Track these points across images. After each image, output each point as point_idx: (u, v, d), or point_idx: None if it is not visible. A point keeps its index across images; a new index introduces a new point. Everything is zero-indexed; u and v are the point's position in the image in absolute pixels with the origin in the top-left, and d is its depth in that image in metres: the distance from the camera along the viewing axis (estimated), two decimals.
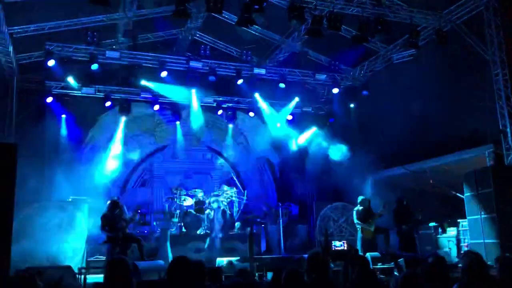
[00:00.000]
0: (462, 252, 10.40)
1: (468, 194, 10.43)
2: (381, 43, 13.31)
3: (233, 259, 10.36)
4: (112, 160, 14.28)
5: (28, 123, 12.92)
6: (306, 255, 4.64)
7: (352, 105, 14.86)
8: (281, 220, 13.19)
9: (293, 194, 16.05)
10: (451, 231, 11.70)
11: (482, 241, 9.81)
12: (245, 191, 15.91)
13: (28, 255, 9.74)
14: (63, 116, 13.59)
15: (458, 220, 11.46)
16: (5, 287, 3.76)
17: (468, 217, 10.49)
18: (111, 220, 9.83)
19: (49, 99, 13.17)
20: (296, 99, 15.13)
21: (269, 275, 8.34)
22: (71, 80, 12.79)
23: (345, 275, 4.18)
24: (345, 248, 8.70)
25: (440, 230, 12.08)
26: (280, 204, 13.92)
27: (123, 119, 14.37)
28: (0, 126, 12.51)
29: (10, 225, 6.42)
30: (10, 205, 6.42)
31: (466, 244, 10.83)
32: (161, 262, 9.73)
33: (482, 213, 9.95)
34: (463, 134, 11.30)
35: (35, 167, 11.47)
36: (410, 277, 3.84)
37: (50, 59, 11.86)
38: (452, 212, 11.89)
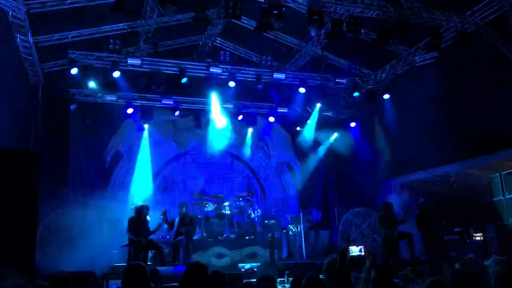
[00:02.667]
0: (490, 258, 10.11)
1: (495, 198, 10.17)
2: (403, 46, 13.12)
3: (254, 264, 10.33)
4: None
5: (53, 130, 13.18)
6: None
7: (373, 109, 14.68)
8: (302, 226, 13.09)
9: (315, 199, 15.94)
10: (477, 236, 11.40)
11: (510, 247, 9.53)
12: (266, 196, 15.87)
13: (53, 261, 9.92)
14: (88, 122, 13.80)
15: (485, 225, 11.16)
16: None
17: (495, 223, 10.22)
18: (137, 224, 10.01)
19: (73, 106, 13.42)
20: (318, 105, 15.02)
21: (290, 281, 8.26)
22: (92, 84, 12.89)
23: (366, 282, 4.10)
24: (363, 254, 8.52)
25: (465, 235, 11.78)
26: (302, 210, 13.82)
27: (145, 126, 14.56)
28: (25, 133, 12.79)
29: (34, 232, 6.52)
30: (34, 212, 6.52)
31: (493, 250, 10.53)
32: (183, 267, 9.76)
33: (510, 218, 9.69)
34: (489, 137, 11.03)
35: (59, 174, 11.71)
36: (435, 284, 3.74)
37: (73, 67, 12.10)
38: (478, 217, 11.59)
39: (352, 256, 4.02)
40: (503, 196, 9.92)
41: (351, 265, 3.96)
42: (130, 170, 14.43)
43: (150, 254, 10.53)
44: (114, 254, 11.38)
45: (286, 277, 8.80)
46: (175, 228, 10.79)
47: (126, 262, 9.84)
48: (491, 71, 11.20)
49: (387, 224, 10.42)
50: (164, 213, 10.77)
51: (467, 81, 11.44)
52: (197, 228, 12.60)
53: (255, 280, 7.43)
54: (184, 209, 10.94)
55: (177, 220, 10.82)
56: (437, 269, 8.70)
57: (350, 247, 3.92)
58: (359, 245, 8.03)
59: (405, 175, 13.69)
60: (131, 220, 10.04)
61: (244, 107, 15.44)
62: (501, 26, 10.90)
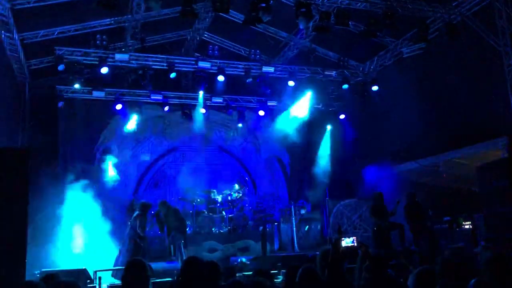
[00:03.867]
0: (479, 246, 10.26)
1: (483, 187, 10.28)
2: (390, 37, 13.19)
3: (247, 257, 10.38)
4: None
5: (41, 128, 13.05)
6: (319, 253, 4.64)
7: (362, 101, 14.74)
8: (293, 218, 13.15)
9: (305, 192, 16.00)
10: (467, 225, 11.55)
11: (498, 235, 9.66)
12: (256, 190, 15.91)
13: (44, 259, 9.87)
14: (75, 119, 13.64)
15: (473, 215, 11.31)
16: None
17: (483, 211, 10.35)
18: (145, 220, 10.11)
19: (60, 104, 13.29)
20: (309, 93, 14.96)
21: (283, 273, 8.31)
22: (77, 86, 12.75)
23: (360, 272, 4.14)
24: (356, 245, 8.56)
25: (454, 224, 11.93)
26: (293, 202, 13.88)
27: (133, 120, 14.45)
28: (13, 131, 12.66)
29: (24, 229, 6.48)
30: (24, 209, 6.47)
31: (482, 238, 10.68)
32: (176, 263, 9.80)
33: (498, 206, 9.80)
34: (476, 127, 11.15)
35: (48, 171, 11.60)
36: (425, 273, 3.79)
37: (60, 63, 11.95)
38: (467, 206, 11.75)
39: (345, 247, 4.06)
40: (491, 185, 10.02)
41: (344, 256, 4.00)
42: (120, 166, 14.34)
43: None
44: (105, 251, 11.34)
45: (278, 269, 8.85)
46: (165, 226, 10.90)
47: (129, 258, 9.84)
48: (478, 61, 11.31)
49: (378, 215, 10.50)
50: (157, 214, 10.84)
51: (454, 71, 11.54)
52: (189, 222, 12.65)
53: (248, 273, 7.48)
54: (166, 207, 10.97)
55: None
56: (427, 258, 8.83)
57: (342, 238, 3.96)
58: (351, 236, 8.06)
59: (394, 166, 13.79)
60: (141, 217, 10.06)
61: (234, 101, 15.40)
62: (487, 16, 10.99)
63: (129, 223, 10.43)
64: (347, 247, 4.34)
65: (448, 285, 3.77)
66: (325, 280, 3.95)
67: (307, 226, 13.85)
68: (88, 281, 8.51)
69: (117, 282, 8.47)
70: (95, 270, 9.20)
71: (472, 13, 11.30)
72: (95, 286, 8.22)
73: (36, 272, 8.39)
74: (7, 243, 6.14)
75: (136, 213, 10.19)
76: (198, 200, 13.69)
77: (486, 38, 11.13)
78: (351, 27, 11.58)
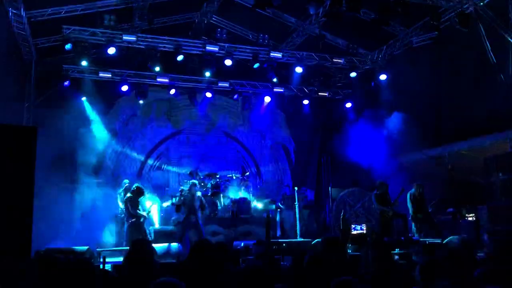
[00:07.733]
0: (482, 238, 10.25)
1: (488, 179, 10.25)
2: (401, 26, 13.02)
3: (250, 242, 10.39)
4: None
5: (47, 107, 13.03)
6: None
7: (369, 89, 14.62)
8: (297, 205, 13.16)
9: (309, 179, 15.99)
10: (470, 217, 11.54)
11: (502, 227, 9.66)
12: (260, 176, 15.90)
13: (48, 237, 9.93)
14: (83, 99, 13.57)
15: (477, 206, 11.29)
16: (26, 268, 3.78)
17: (488, 203, 10.33)
18: (136, 204, 10.15)
19: (67, 83, 13.22)
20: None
21: (286, 258, 8.33)
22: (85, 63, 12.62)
23: (366, 259, 4.13)
24: (365, 231, 8.56)
25: (458, 216, 11.90)
26: (296, 189, 13.87)
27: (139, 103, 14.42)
28: (19, 110, 12.64)
29: (30, 207, 6.48)
30: (30, 187, 6.46)
31: (486, 230, 10.67)
32: (177, 245, 9.84)
33: (503, 198, 9.79)
34: (484, 119, 11.08)
35: (54, 150, 11.63)
36: (431, 263, 3.78)
37: (67, 42, 11.87)
38: (471, 198, 11.72)
39: (354, 233, 4.06)
40: (497, 177, 10.00)
41: (354, 241, 3.99)
42: (124, 148, 14.36)
43: None
44: (107, 232, 11.42)
45: (282, 254, 8.86)
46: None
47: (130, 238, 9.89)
48: (489, 52, 11.18)
49: (382, 203, 10.49)
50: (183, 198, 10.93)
51: (464, 62, 11.42)
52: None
53: (251, 257, 7.48)
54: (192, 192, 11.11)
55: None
56: (430, 248, 8.83)
57: (353, 226, 3.96)
58: (361, 224, 8.12)
59: (399, 156, 13.74)
60: (131, 200, 10.16)
61: (240, 86, 15.30)
62: (500, 8, 10.84)
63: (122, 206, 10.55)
64: (356, 233, 4.34)
65: (453, 273, 3.76)
66: (333, 264, 3.95)
67: (310, 214, 13.87)
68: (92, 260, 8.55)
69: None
70: (98, 249, 9.27)
71: (485, 4, 11.13)
72: (99, 266, 8.25)
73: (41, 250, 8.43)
74: (14, 220, 6.15)
75: (128, 196, 10.26)
76: (202, 184, 13.70)
77: (498, 29, 10.98)
78: (362, 14, 11.42)
